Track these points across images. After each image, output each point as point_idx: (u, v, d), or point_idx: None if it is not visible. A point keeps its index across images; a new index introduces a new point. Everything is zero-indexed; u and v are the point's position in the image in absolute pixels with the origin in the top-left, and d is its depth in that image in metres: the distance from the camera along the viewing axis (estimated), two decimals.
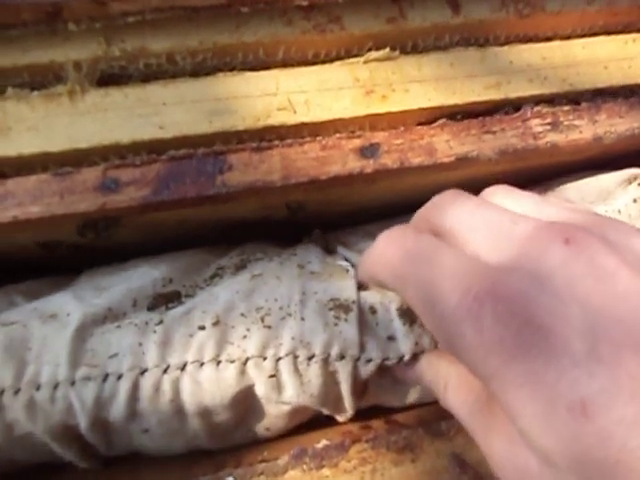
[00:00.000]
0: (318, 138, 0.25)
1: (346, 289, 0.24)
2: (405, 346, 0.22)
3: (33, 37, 0.24)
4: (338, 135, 0.25)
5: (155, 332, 0.22)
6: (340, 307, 0.23)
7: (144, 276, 0.25)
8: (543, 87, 0.27)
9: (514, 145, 0.25)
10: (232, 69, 0.25)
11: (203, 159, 0.24)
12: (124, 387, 0.21)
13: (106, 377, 0.21)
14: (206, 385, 0.21)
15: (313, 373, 0.22)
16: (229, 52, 0.25)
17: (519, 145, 0.25)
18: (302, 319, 0.22)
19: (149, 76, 0.25)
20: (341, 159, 0.24)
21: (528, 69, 0.27)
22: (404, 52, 0.26)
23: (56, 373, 0.21)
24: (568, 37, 0.28)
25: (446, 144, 0.25)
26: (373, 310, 0.23)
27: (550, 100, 0.27)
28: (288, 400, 0.22)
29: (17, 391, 0.21)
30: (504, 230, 0.19)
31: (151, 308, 0.24)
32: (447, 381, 0.21)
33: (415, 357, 0.23)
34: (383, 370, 0.23)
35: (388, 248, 0.21)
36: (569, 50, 0.28)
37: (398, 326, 0.23)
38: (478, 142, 0.25)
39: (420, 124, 0.26)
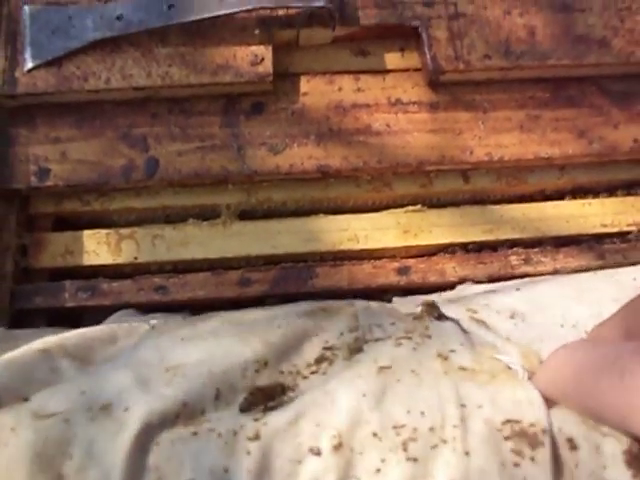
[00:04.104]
0: (371, 261, 0.39)
1: (528, 406, 0.17)
2: None
3: (204, 189, 0.40)
4: (385, 259, 0.39)
5: (249, 453, 0.16)
6: (523, 436, 0.17)
7: (231, 354, 0.20)
8: (522, 234, 0.41)
9: (498, 272, 0.39)
10: (318, 212, 0.41)
11: (300, 269, 0.39)
12: None
13: None
14: None
15: None
16: (318, 201, 0.41)
17: (501, 272, 0.39)
18: (466, 453, 0.16)
19: (269, 214, 0.41)
20: (385, 275, 0.39)
21: (512, 221, 0.41)
22: (430, 206, 0.41)
23: None
24: (543, 200, 0.42)
25: (453, 269, 0.39)
26: (573, 445, 0.17)
27: (525, 243, 0.41)
28: None
29: None
30: None
31: (245, 409, 0.18)
32: None
33: None
34: None
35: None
36: (542, 209, 0.42)
37: (621, 477, 0.17)
38: (474, 269, 0.39)
39: (437, 253, 0.40)
